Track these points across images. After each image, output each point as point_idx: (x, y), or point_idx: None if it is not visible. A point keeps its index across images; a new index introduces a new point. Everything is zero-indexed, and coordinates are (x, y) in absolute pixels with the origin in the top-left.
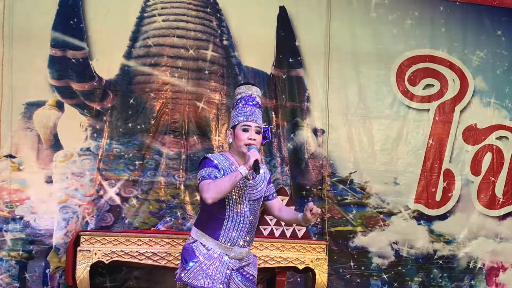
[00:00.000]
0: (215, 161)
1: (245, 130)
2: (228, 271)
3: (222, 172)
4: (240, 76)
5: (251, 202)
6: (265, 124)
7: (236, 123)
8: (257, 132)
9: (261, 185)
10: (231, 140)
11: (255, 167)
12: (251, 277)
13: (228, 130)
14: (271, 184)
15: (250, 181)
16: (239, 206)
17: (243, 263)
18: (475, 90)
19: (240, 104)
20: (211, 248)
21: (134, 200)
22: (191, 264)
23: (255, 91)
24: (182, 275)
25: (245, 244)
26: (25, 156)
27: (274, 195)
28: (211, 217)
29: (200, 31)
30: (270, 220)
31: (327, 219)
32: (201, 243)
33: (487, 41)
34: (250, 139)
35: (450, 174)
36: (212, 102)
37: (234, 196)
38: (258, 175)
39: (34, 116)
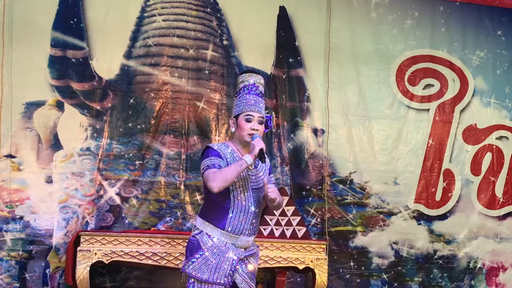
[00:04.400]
0: (218, 150)
1: (248, 120)
2: (234, 262)
3: (225, 160)
4: None
5: (254, 190)
6: (267, 112)
7: (239, 112)
8: (260, 122)
9: (262, 173)
10: (233, 129)
11: (260, 155)
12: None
13: (230, 119)
14: (272, 175)
15: (252, 170)
16: (243, 194)
17: (248, 253)
18: (475, 90)
19: (243, 93)
20: (217, 239)
21: (134, 200)
22: (196, 256)
23: (258, 80)
24: (187, 267)
25: (251, 233)
26: (25, 156)
27: (273, 185)
28: (216, 207)
29: (200, 31)
30: (270, 220)
31: (327, 219)
32: (207, 234)
33: (487, 41)
34: (253, 129)
35: (450, 174)
36: (212, 102)
37: (238, 185)
38: (259, 164)
39: (34, 116)
